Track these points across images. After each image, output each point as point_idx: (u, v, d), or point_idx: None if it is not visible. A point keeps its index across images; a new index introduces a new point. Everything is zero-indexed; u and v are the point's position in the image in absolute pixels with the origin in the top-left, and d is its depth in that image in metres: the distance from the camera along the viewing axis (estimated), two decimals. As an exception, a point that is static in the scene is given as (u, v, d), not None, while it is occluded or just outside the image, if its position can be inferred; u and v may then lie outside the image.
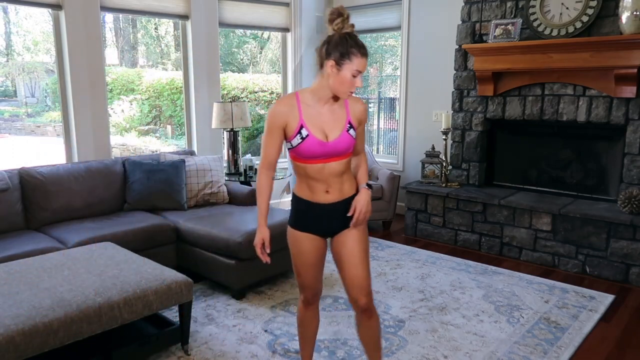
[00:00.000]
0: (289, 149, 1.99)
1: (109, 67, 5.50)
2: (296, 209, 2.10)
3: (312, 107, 1.95)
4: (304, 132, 1.91)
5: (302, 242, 2.10)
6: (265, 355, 2.64)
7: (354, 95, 1.97)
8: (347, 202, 2.03)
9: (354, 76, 1.87)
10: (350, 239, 2.05)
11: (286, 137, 1.96)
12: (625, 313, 3.18)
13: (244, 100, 5.44)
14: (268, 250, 2.12)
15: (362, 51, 1.88)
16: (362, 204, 2.01)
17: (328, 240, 2.14)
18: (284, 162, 5.52)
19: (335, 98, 1.96)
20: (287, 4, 5.54)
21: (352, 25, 1.94)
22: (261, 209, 2.07)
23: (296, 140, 1.93)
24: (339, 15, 1.92)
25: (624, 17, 3.61)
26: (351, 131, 1.97)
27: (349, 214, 2.01)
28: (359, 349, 2.70)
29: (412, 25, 5.23)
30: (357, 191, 2.07)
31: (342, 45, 1.87)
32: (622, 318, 3.11)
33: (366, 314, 2.09)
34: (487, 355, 2.65)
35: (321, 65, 1.91)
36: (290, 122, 1.93)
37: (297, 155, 1.97)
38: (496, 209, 4.23)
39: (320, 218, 2.04)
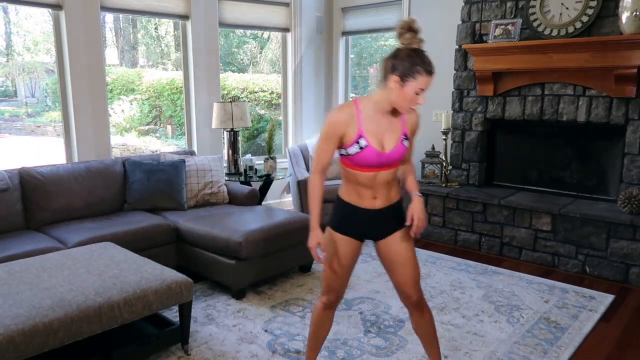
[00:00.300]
0: (342, 155, 2.01)
1: (109, 67, 5.50)
2: (342, 212, 2.11)
3: (371, 117, 1.96)
4: (363, 142, 1.94)
5: (341, 245, 2.11)
6: (265, 355, 2.64)
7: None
8: (393, 207, 2.10)
9: (417, 94, 1.86)
10: (401, 240, 2.12)
11: (341, 144, 1.98)
12: (625, 313, 3.18)
13: (244, 100, 5.44)
14: (323, 253, 2.12)
15: (428, 69, 1.85)
16: (419, 212, 2.04)
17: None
18: (284, 162, 5.52)
19: (394, 110, 1.96)
20: (287, 4, 5.54)
21: (421, 40, 1.89)
22: (315, 212, 2.07)
23: (353, 149, 1.95)
24: (409, 29, 1.86)
25: (624, 17, 3.61)
26: (405, 142, 2.01)
27: (407, 223, 2.05)
28: (359, 348, 2.70)
29: (412, 25, 5.22)
30: (401, 197, 2.14)
31: (408, 61, 1.84)
32: (622, 318, 3.11)
33: (419, 308, 2.18)
34: (487, 355, 2.65)
35: (385, 78, 1.90)
36: (349, 131, 1.94)
37: (351, 162, 2.00)
38: (496, 209, 4.23)
39: (365, 223, 2.09)
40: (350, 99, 2.01)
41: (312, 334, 2.31)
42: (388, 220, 2.10)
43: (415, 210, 2.03)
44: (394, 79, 1.85)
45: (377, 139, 1.96)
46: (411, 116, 2.02)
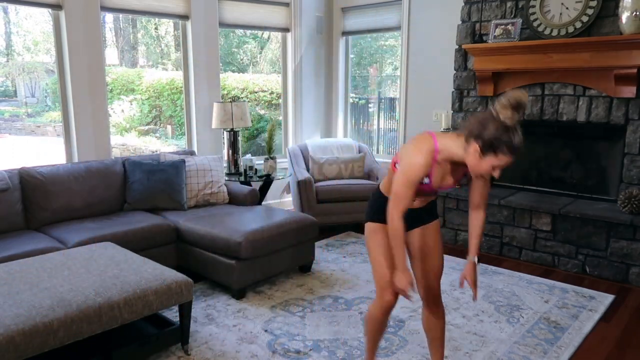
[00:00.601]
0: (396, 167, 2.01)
1: (109, 67, 5.51)
2: (380, 204, 2.08)
3: (442, 164, 1.96)
4: (426, 180, 1.98)
5: (385, 234, 2.07)
6: (265, 355, 2.64)
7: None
8: (428, 204, 2.17)
9: (493, 168, 1.81)
10: (431, 235, 2.18)
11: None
12: (625, 313, 3.18)
13: (244, 100, 5.44)
14: (416, 291, 2.09)
15: (513, 151, 1.77)
16: (472, 279, 2.08)
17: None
18: (284, 162, 5.53)
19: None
20: (287, 4, 5.54)
21: (519, 120, 1.77)
22: (400, 253, 2.00)
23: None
24: (516, 108, 1.73)
25: (624, 17, 3.62)
26: (463, 179, 2.07)
27: (461, 286, 2.10)
28: (359, 348, 2.70)
29: (412, 25, 5.23)
30: (437, 196, 2.18)
31: (495, 137, 1.75)
32: (622, 318, 3.11)
33: (436, 303, 2.24)
34: (487, 355, 2.65)
35: (467, 138, 1.83)
36: (426, 170, 1.94)
37: None
38: (496, 209, 4.23)
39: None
40: (429, 136, 1.95)
41: (371, 338, 2.25)
42: (421, 215, 2.16)
43: (468, 277, 2.07)
44: (474, 147, 1.79)
45: (440, 180, 2.01)
46: None
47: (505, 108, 1.74)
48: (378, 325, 2.21)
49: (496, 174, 1.83)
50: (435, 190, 2.06)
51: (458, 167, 1.98)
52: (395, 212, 1.94)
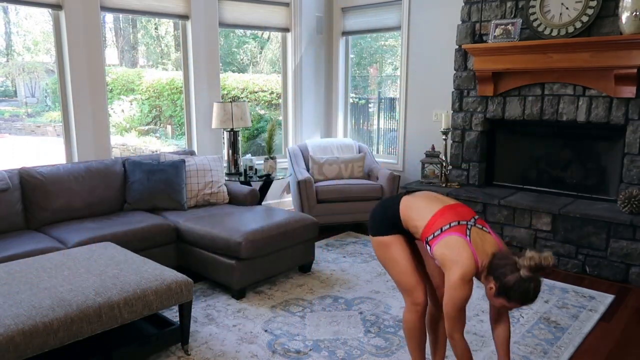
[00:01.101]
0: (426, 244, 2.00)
1: (109, 67, 5.50)
2: (391, 217, 2.11)
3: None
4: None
5: (398, 242, 2.11)
6: (265, 355, 2.64)
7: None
8: None
9: (502, 306, 1.88)
10: None
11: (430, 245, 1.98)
12: (625, 313, 3.18)
13: (244, 100, 5.44)
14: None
15: (524, 303, 1.84)
16: None
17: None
18: (284, 162, 5.53)
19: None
20: (287, 4, 5.54)
21: (539, 275, 1.82)
22: None
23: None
24: (538, 269, 1.78)
25: (624, 17, 3.62)
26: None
27: None
28: (359, 348, 2.70)
29: (412, 25, 5.23)
30: None
31: (511, 288, 1.81)
32: (622, 318, 3.11)
33: (442, 301, 2.14)
34: (487, 355, 2.65)
35: (488, 272, 1.88)
36: None
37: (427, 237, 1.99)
38: (496, 209, 4.23)
39: None
40: (467, 246, 1.91)
41: (415, 345, 2.22)
42: None
43: None
44: (492, 284, 1.86)
45: None
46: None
47: (528, 267, 1.77)
48: (418, 332, 2.18)
49: (503, 310, 1.91)
50: None
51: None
52: (456, 334, 1.92)
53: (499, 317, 2.04)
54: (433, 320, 2.30)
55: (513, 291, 1.80)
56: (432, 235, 1.96)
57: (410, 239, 2.15)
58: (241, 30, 6.12)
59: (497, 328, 2.06)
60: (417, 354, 2.24)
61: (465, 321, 1.94)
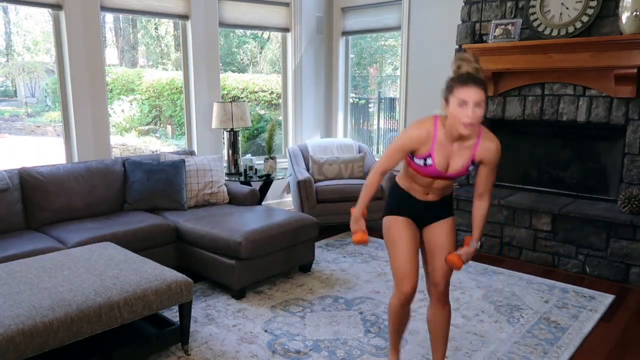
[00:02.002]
0: (411, 163, 2.11)
1: (109, 67, 5.50)
2: (395, 198, 2.24)
3: (443, 143, 2.04)
4: (429, 161, 2.06)
5: (400, 226, 2.19)
6: (265, 355, 2.64)
7: (471, 127, 1.95)
8: (442, 200, 2.23)
9: (460, 106, 1.92)
10: (444, 231, 2.23)
11: (412, 153, 2.08)
12: (625, 313, 3.18)
13: (244, 100, 5.44)
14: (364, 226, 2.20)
15: (463, 80, 1.93)
16: (467, 258, 2.16)
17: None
18: (284, 162, 5.53)
19: (466, 137, 2.02)
20: (287, 4, 5.54)
21: (469, 65, 1.99)
22: (362, 202, 2.19)
23: (419, 162, 2.08)
24: (462, 60, 2.01)
25: (624, 17, 3.61)
26: (471, 167, 2.12)
27: (447, 259, 2.16)
28: (359, 348, 2.70)
29: (412, 25, 5.23)
30: (452, 191, 2.26)
31: (447, 83, 1.99)
32: (622, 318, 3.11)
33: (442, 300, 2.25)
34: (487, 355, 2.65)
35: (443, 106, 2.03)
36: (422, 148, 2.05)
37: (413, 166, 2.11)
38: (496, 209, 4.23)
39: (415, 208, 2.21)
40: (432, 116, 2.10)
41: (393, 327, 2.34)
42: (434, 210, 2.22)
43: (464, 255, 2.16)
44: (442, 104, 1.98)
45: (444, 161, 2.06)
46: (487, 143, 2.06)
47: (458, 67, 2.03)
48: (397, 317, 2.28)
49: (468, 111, 1.90)
50: (443, 175, 2.09)
51: (462, 147, 2.05)
52: (375, 168, 2.14)
53: (481, 195, 2.22)
54: (432, 320, 2.31)
55: (448, 82, 1.99)
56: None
57: (420, 230, 2.24)
58: (241, 30, 6.12)
59: (478, 205, 2.27)
60: (393, 337, 2.36)
61: (389, 166, 2.10)
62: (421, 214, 2.22)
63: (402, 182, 2.23)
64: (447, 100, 1.97)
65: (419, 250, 2.25)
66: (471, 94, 1.90)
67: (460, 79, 1.94)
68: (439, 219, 2.23)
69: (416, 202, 2.20)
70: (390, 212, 2.23)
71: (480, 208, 2.24)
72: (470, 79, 1.92)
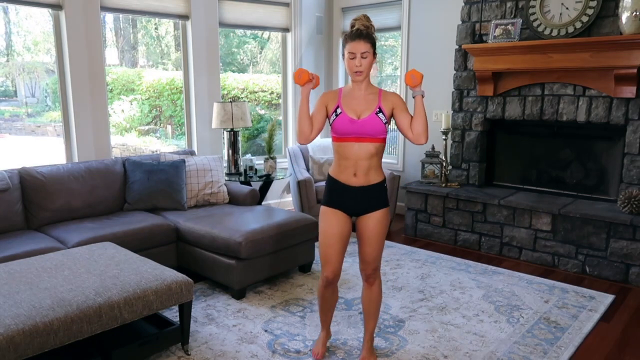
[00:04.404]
0: (331, 131, 2.38)
1: (109, 67, 5.50)
2: (329, 188, 2.45)
3: (349, 95, 2.40)
4: (339, 111, 2.36)
5: (331, 217, 2.42)
6: (265, 355, 2.64)
7: (360, 74, 2.33)
8: (372, 188, 2.39)
9: (351, 58, 2.31)
10: (373, 222, 2.41)
11: (328, 115, 2.40)
12: (625, 313, 3.18)
13: (244, 100, 5.44)
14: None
15: (352, 36, 2.31)
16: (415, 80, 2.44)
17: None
18: (284, 162, 5.53)
19: (369, 88, 2.40)
20: (287, 4, 5.54)
21: (360, 23, 2.35)
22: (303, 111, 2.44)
23: (333, 117, 2.36)
24: (355, 20, 2.38)
25: (624, 17, 3.62)
26: (380, 115, 2.35)
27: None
28: (359, 348, 2.71)
29: (412, 25, 5.23)
30: (383, 180, 2.44)
31: (342, 41, 2.40)
32: (622, 318, 3.11)
33: (370, 282, 2.52)
34: (487, 355, 2.65)
35: None
36: (331, 104, 2.39)
37: (334, 132, 2.37)
38: (496, 209, 4.23)
39: (346, 197, 2.40)
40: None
41: (319, 306, 2.64)
42: (366, 199, 2.40)
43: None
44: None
45: (353, 110, 2.35)
46: (389, 95, 2.42)
47: (352, 27, 2.37)
48: (322, 297, 2.57)
49: (356, 62, 2.29)
50: (357, 126, 2.31)
51: (369, 98, 2.37)
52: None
53: (418, 135, 2.42)
54: (364, 298, 2.57)
55: (343, 38, 2.37)
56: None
57: (352, 223, 2.47)
58: (241, 30, 6.12)
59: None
60: (321, 315, 2.66)
61: (314, 118, 2.40)
62: (352, 204, 2.40)
63: (333, 170, 2.43)
64: (343, 56, 2.36)
65: (347, 238, 2.47)
66: (358, 47, 2.28)
67: (349, 36, 2.32)
68: (370, 210, 2.40)
69: (345, 189, 2.38)
70: (324, 202, 2.45)
71: (417, 126, 2.44)
72: (357, 34, 2.29)
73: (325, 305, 2.60)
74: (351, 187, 2.37)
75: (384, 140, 2.37)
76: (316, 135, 2.43)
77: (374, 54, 2.34)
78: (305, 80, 2.40)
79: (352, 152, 2.34)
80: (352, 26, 2.36)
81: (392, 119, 2.42)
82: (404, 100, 2.44)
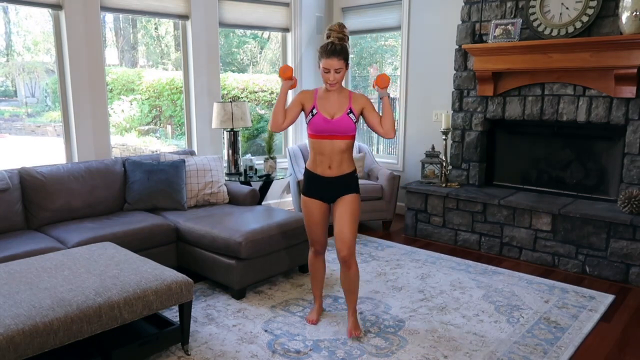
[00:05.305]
0: (307, 125, 2.69)
1: (109, 67, 5.50)
2: (307, 180, 2.78)
3: (323, 97, 2.70)
4: (314, 111, 2.67)
5: (311, 205, 2.78)
6: (265, 355, 2.64)
7: (334, 86, 2.67)
8: (345, 177, 2.71)
9: (326, 72, 2.63)
10: (343, 206, 2.72)
11: (305, 114, 2.71)
12: (625, 313, 3.18)
13: (244, 100, 5.45)
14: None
15: (326, 52, 2.60)
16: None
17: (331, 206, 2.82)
18: (284, 162, 5.53)
19: (341, 92, 2.70)
20: (287, 4, 5.54)
21: (335, 35, 2.66)
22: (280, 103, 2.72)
23: (309, 117, 2.68)
24: (330, 30, 2.68)
25: (624, 17, 3.62)
26: (351, 115, 2.65)
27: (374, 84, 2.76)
28: (359, 348, 2.71)
29: (412, 25, 5.23)
30: (354, 170, 2.74)
31: (318, 52, 2.69)
32: (622, 318, 3.11)
33: (346, 264, 2.75)
34: (487, 355, 2.65)
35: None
36: (307, 104, 2.71)
37: (311, 130, 2.67)
38: (496, 209, 4.23)
39: (324, 187, 2.73)
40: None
41: (311, 276, 3.01)
42: (339, 187, 2.72)
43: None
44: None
45: (327, 111, 2.65)
46: (358, 96, 2.72)
47: (329, 36, 2.68)
48: (312, 266, 2.96)
49: (330, 77, 2.62)
50: (331, 125, 2.61)
51: (340, 100, 2.67)
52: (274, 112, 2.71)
53: (387, 131, 2.70)
54: (342, 280, 2.83)
55: (319, 51, 2.66)
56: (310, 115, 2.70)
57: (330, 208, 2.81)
58: (241, 30, 6.12)
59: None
60: (313, 285, 3.02)
61: (289, 113, 2.71)
62: (327, 192, 2.73)
63: (310, 164, 2.75)
64: (319, 66, 2.64)
65: (327, 219, 2.82)
66: (332, 64, 2.59)
67: (324, 51, 2.59)
68: (341, 195, 2.71)
69: (320, 180, 2.70)
70: (304, 192, 2.79)
71: (386, 123, 2.72)
72: (331, 51, 2.57)
73: (315, 274, 2.97)
74: (326, 177, 2.70)
75: (353, 138, 2.70)
76: (287, 126, 2.71)
77: (347, 66, 2.66)
78: (288, 75, 2.70)
79: (327, 147, 2.66)
80: (328, 37, 2.63)
81: (360, 117, 2.73)
82: (371, 101, 2.76)
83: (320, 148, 2.68)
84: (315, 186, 2.74)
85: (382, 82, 2.69)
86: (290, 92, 2.74)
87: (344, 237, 2.70)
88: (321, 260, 2.95)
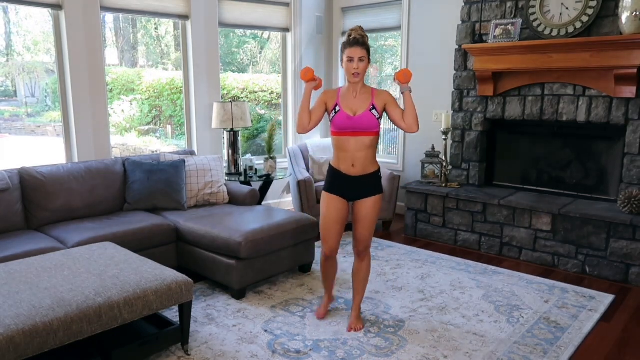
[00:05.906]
0: (330, 122, 2.72)
1: (109, 67, 5.50)
2: (330, 176, 2.81)
3: (346, 95, 2.72)
4: (337, 108, 2.70)
5: (331, 202, 2.79)
6: (265, 355, 2.64)
7: (357, 76, 2.66)
8: (368, 177, 2.74)
9: (349, 61, 2.63)
10: (366, 209, 2.77)
11: (328, 112, 2.74)
12: (625, 313, 3.18)
13: (244, 100, 5.45)
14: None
15: (349, 43, 2.63)
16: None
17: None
18: (284, 162, 5.52)
19: (363, 88, 2.71)
20: (287, 4, 5.54)
21: (356, 33, 2.67)
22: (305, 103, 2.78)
23: (333, 114, 2.71)
24: (352, 30, 2.70)
25: (624, 17, 3.62)
26: (374, 111, 2.68)
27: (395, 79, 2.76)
28: (359, 348, 2.71)
29: (412, 25, 5.23)
30: (378, 169, 2.79)
31: (341, 48, 2.71)
32: (622, 318, 3.11)
33: (361, 257, 2.90)
34: (487, 355, 2.65)
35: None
36: (330, 102, 2.73)
37: (334, 127, 2.71)
38: (496, 209, 4.23)
39: (347, 185, 2.75)
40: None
41: (323, 277, 3.06)
42: (363, 186, 2.74)
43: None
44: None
45: (350, 108, 2.68)
46: (381, 93, 2.73)
47: (345, 36, 2.73)
48: (323, 267, 2.99)
49: (354, 65, 2.61)
50: (354, 122, 2.64)
51: (363, 97, 2.69)
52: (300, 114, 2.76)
53: (409, 126, 2.71)
54: (354, 271, 2.93)
55: (342, 45, 2.68)
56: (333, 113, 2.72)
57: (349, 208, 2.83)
58: (241, 30, 6.12)
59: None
60: (324, 283, 3.07)
61: (314, 113, 2.75)
62: (350, 190, 2.75)
63: (334, 162, 2.78)
64: (342, 60, 2.67)
65: (345, 221, 2.84)
66: (356, 52, 2.60)
67: (347, 43, 2.63)
68: (364, 196, 2.75)
69: (344, 178, 2.73)
70: (326, 189, 2.81)
71: (408, 118, 2.72)
72: (354, 42, 2.61)
73: (327, 275, 3.02)
74: (350, 176, 2.72)
75: (377, 134, 2.72)
76: (313, 127, 2.75)
77: (369, 59, 2.66)
78: (310, 77, 2.73)
79: (350, 144, 2.68)
80: (349, 35, 2.67)
81: (384, 114, 2.75)
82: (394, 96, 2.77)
83: (344, 145, 2.70)
84: (339, 183, 2.76)
85: (404, 77, 2.71)
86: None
87: (364, 238, 2.83)
88: (332, 263, 2.99)
